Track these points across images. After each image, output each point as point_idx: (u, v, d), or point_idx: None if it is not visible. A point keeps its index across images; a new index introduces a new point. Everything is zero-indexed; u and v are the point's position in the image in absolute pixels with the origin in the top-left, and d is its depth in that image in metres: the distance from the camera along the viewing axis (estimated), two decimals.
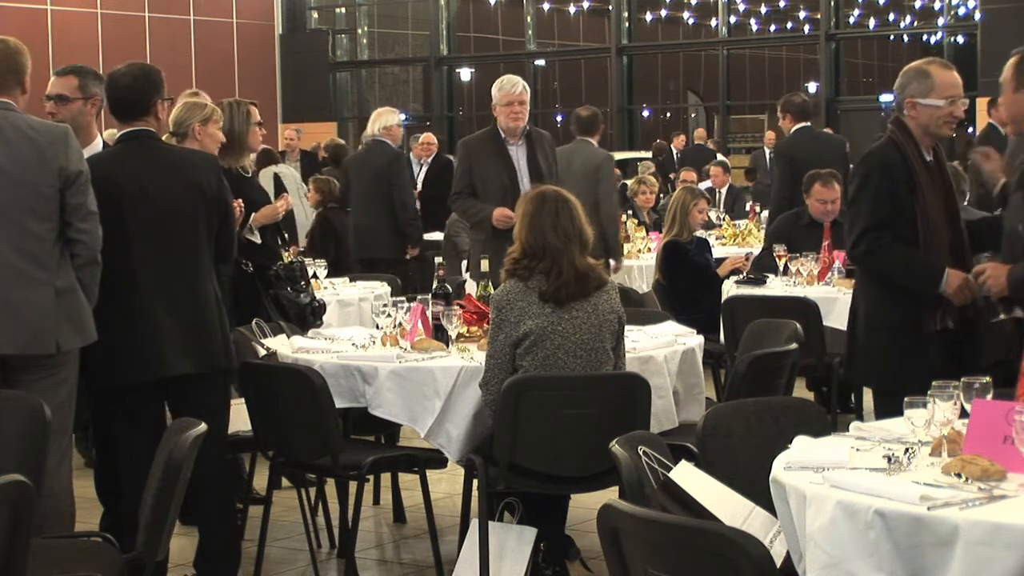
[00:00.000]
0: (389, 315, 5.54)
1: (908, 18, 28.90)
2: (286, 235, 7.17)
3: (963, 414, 3.46)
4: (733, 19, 25.69)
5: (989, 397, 3.50)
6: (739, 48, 25.95)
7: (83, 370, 4.95)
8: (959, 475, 3.16)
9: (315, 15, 26.74)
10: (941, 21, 25.79)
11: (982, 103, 12.29)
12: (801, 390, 7.75)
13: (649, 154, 19.50)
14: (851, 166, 6.68)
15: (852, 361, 5.30)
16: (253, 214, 6.59)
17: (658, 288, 8.44)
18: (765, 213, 10.88)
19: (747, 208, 13.16)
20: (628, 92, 24.47)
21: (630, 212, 11.19)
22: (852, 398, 7.84)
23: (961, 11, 23.99)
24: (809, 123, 9.89)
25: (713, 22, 25.77)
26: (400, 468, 5.68)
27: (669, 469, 3.64)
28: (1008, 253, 4.76)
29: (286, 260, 6.74)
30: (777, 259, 7.90)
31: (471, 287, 6.65)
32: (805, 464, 3.36)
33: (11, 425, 4.06)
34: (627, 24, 24.54)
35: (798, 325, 5.84)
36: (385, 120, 10.49)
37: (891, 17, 28.26)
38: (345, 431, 5.46)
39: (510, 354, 4.95)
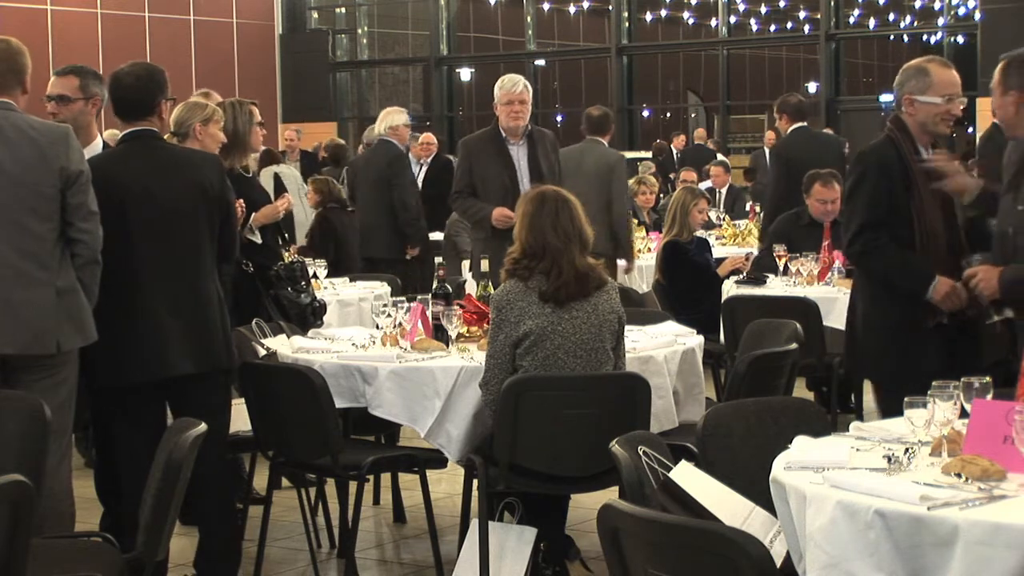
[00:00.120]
0: (389, 315, 5.54)
1: (908, 18, 28.90)
2: (287, 235, 7.17)
3: (963, 414, 3.47)
4: (733, 19, 25.69)
5: (989, 397, 3.50)
6: (739, 48, 25.96)
7: (83, 370, 4.95)
8: (959, 475, 3.16)
9: (315, 15, 26.74)
10: (941, 21, 25.80)
11: (982, 103, 12.31)
12: (801, 390, 7.75)
13: (649, 154, 19.48)
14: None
15: (851, 358, 5.32)
16: (253, 214, 6.59)
17: (658, 288, 8.44)
18: None
19: (747, 208, 13.16)
20: (628, 92, 24.47)
21: (630, 212, 11.18)
22: (852, 398, 7.84)
23: (961, 11, 23.99)
24: (805, 123, 9.89)
25: (713, 22, 25.77)
26: (400, 468, 5.68)
27: (669, 469, 3.64)
28: (999, 255, 4.77)
29: (287, 260, 6.74)
30: (777, 259, 7.90)
31: (471, 287, 6.65)
32: (805, 464, 3.36)
33: (11, 425, 4.07)
34: (627, 24, 24.54)
35: (798, 325, 5.84)
36: (391, 120, 10.47)
37: (891, 17, 28.26)
38: (345, 431, 5.46)
39: (510, 354, 4.95)
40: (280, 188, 8.25)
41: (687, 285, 8.27)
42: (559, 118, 26.58)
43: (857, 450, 3.48)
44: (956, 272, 4.94)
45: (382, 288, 8.10)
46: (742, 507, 3.53)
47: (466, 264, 10.30)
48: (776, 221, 8.63)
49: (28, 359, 4.74)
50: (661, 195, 13.08)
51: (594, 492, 5.00)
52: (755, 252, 9.17)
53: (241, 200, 6.12)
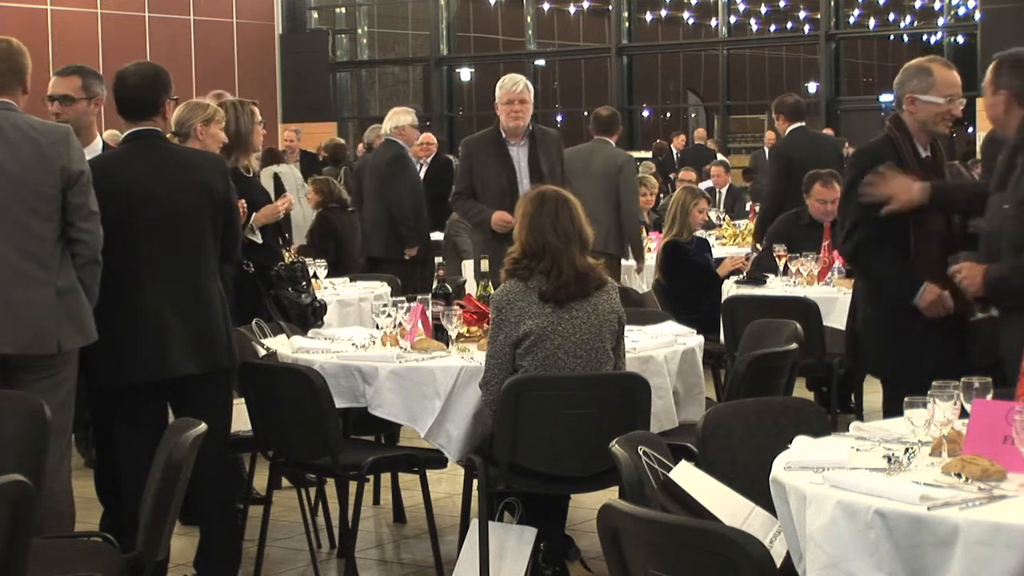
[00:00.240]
0: (389, 315, 5.54)
1: (908, 18, 28.90)
2: (287, 235, 7.18)
3: (963, 414, 3.47)
4: (733, 19, 25.69)
5: (989, 397, 3.50)
6: (739, 48, 25.95)
7: (83, 370, 4.95)
8: (959, 475, 3.16)
9: (315, 15, 26.73)
10: (941, 21, 25.79)
11: (982, 103, 12.30)
12: (801, 390, 7.75)
13: (649, 154, 19.48)
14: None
15: (851, 357, 5.33)
16: (254, 214, 6.59)
17: (658, 288, 8.44)
18: None
19: (747, 208, 13.16)
20: (628, 92, 24.46)
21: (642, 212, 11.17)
22: (852, 398, 7.84)
23: (961, 11, 23.99)
24: (803, 123, 9.88)
25: (713, 22, 25.77)
26: (400, 468, 5.68)
27: (669, 469, 3.64)
28: (984, 252, 4.78)
29: (287, 260, 6.75)
30: (777, 259, 7.91)
31: (472, 287, 6.65)
32: (805, 464, 3.36)
33: (11, 425, 4.07)
34: (627, 24, 24.54)
35: (798, 325, 5.84)
36: (398, 120, 10.45)
37: (891, 17, 28.26)
38: (345, 431, 5.46)
39: (510, 354, 4.95)
40: (280, 188, 8.27)
41: (687, 285, 8.27)
42: (559, 118, 26.57)
43: (857, 450, 3.49)
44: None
45: (382, 288, 8.10)
46: (742, 507, 3.53)
47: (466, 264, 10.32)
48: (776, 221, 8.63)
49: (28, 359, 4.74)
50: (661, 195, 13.08)
51: (594, 492, 5.00)
52: (749, 252, 9.17)
53: (243, 200, 6.12)
